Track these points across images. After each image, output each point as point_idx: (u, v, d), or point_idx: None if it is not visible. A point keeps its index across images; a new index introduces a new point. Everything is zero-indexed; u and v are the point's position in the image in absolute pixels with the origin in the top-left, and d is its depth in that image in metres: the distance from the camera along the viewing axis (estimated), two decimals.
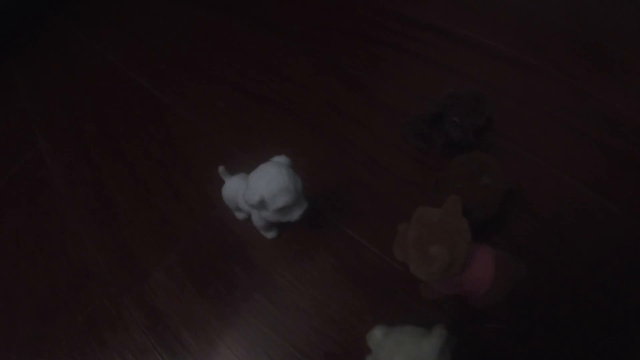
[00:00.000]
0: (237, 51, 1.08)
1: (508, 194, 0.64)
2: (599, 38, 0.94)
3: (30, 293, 0.78)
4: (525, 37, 0.95)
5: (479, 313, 0.62)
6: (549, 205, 0.70)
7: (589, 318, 0.60)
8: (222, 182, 0.71)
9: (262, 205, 0.58)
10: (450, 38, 0.97)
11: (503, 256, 0.57)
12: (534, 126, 0.81)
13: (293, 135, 0.86)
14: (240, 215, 0.73)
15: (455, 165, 0.63)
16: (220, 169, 0.68)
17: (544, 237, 0.68)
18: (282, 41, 1.07)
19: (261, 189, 0.57)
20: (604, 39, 0.94)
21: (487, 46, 0.94)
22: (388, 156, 0.79)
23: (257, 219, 0.66)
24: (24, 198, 0.90)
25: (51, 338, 0.73)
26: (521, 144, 0.78)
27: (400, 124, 0.81)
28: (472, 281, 0.56)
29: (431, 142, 0.76)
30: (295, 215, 0.60)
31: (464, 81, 0.88)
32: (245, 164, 0.79)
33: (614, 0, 1.01)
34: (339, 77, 0.94)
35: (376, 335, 0.55)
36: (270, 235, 0.71)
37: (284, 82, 0.96)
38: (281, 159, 0.61)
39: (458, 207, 0.55)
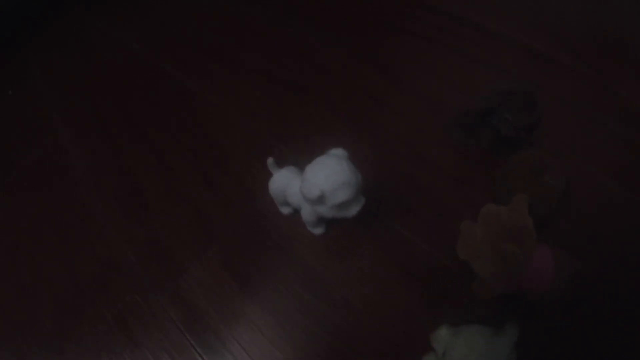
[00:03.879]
0: (268, 40, 1.04)
1: (564, 193, 0.64)
2: (629, 38, 0.94)
3: (52, 287, 0.75)
4: (559, 36, 0.95)
5: (529, 311, 0.61)
6: (586, 204, 0.69)
7: (632, 316, 0.59)
8: (263, 175, 0.68)
9: (320, 200, 0.55)
10: (487, 34, 0.95)
11: (560, 254, 0.57)
12: (570, 124, 0.80)
13: (333, 126, 0.83)
14: (285, 210, 0.70)
15: (516, 162, 0.62)
16: (269, 161, 0.65)
17: (582, 235, 0.67)
18: (316, 32, 1.03)
19: (321, 182, 0.54)
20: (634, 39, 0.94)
21: (523, 43, 0.93)
22: (432, 150, 0.77)
23: (308, 213, 0.63)
24: (43, 186, 0.85)
25: (76, 336, 0.69)
26: (559, 141, 0.78)
27: (447, 119, 0.79)
28: (532, 279, 0.55)
29: (478, 138, 0.74)
30: (353, 211, 0.58)
31: (501, 77, 0.87)
32: (287, 156, 0.76)
33: None
34: (377, 69, 0.91)
35: (443, 334, 0.53)
36: (318, 231, 0.68)
37: (320, 72, 0.93)
38: (339, 152, 0.59)
39: (525, 205, 0.54)
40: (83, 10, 1.31)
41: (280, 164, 0.67)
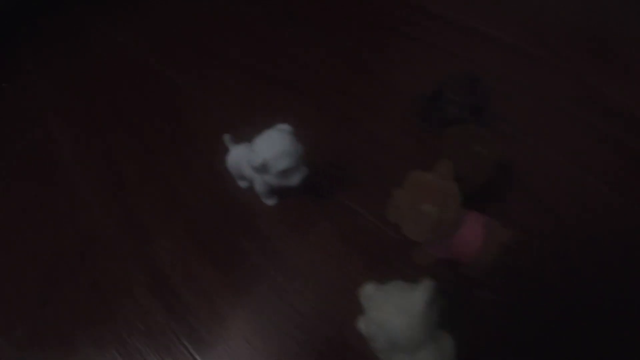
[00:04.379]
0: (252, 37, 1.12)
1: (500, 168, 0.67)
2: (605, 33, 0.98)
3: (37, 260, 0.80)
4: (531, 29, 0.99)
5: (471, 281, 0.64)
6: (543, 185, 0.74)
7: (579, 291, 0.62)
8: (226, 151, 0.74)
9: (264, 168, 0.61)
10: (457, 27, 1.01)
11: (492, 221, 0.60)
12: (533, 111, 0.84)
13: (299, 113, 0.89)
14: (243, 184, 0.76)
15: (450, 135, 0.67)
16: (226, 137, 0.71)
17: (538, 214, 0.71)
18: (295, 29, 1.11)
19: (264, 152, 0.60)
20: (609, 34, 0.97)
21: (493, 36, 0.98)
22: (389, 134, 0.82)
23: (260, 184, 0.69)
24: (33, 170, 0.92)
25: (57, 302, 0.74)
26: (520, 127, 0.82)
27: (405, 105, 0.84)
28: (463, 244, 0.58)
29: (430, 120, 0.79)
30: (295, 179, 0.63)
31: (468, 68, 0.91)
32: (249, 136, 0.82)
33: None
34: (348, 62, 0.99)
35: (368, 290, 0.56)
36: (270, 202, 0.74)
37: (295, 66, 1.00)
38: (284, 127, 0.65)
39: (449, 170, 0.58)
40: (80, 7, 1.39)
41: (239, 139, 0.73)
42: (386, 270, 0.67)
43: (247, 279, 0.69)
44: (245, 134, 0.83)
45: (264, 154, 0.60)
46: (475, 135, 0.65)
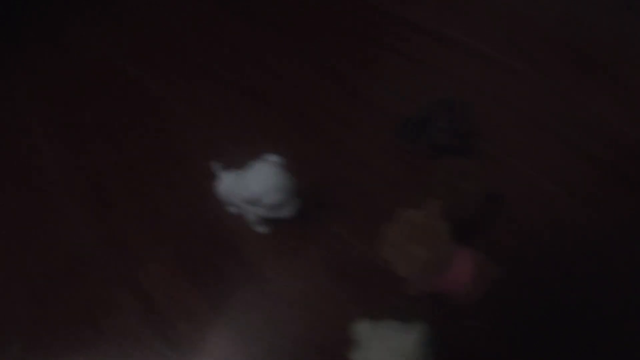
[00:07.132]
0: (235, 49, 1.11)
1: (488, 198, 0.69)
2: (590, 47, 0.97)
3: (27, 280, 0.80)
4: (517, 44, 0.98)
5: (458, 311, 0.66)
6: (528, 211, 0.74)
7: (564, 320, 0.63)
8: (214, 176, 0.74)
9: (256, 202, 0.62)
10: (442, 41, 1.00)
11: (482, 259, 0.61)
12: (519, 132, 0.84)
13: (283, 133, 0.89)
14: (232, 209, 0.77)
15: (439, 171, 0.68)
16: (214, 164, 0.71)
17: (522, 241, 0.71)
18: (279, 41, 1.10)
19: (255, 186, 0.61)
20: (594, 48, 0.97)
21: (479, 51, 0.97)
22: (375, 157, 0.82)
23: (251, 213, 0.69)
24: (19, 186, 0.91)
25: (49, 323, 0.75)
26: (505, 149, 0.81)
27: (395, 125, 0.84)
28: (453, 281, 0.60)
29: (417, 145, 0.80)
30: (286, 212, 0.64)
31: (453, 84, 0.92)
32: (237, 159, 0.82)
33: (607, 10, 1.04)
34: (332, 78, 0.98)
35: (362, 328, 0.57)
36: (262, 229, 0.75)
37: (278, 81, 1.00)
38: (274, 158, 0.65)
39: (438, 210, 0.59)
40: (61, 12, 1.36)
41: (228, 165, 0.73)
42: (373, 298, 0.68)
43: (235, 306, 0.70)
44: (234, 158, 0.83)
45: (255, 189, 0.61)
46: (462, 171, 0.66)
